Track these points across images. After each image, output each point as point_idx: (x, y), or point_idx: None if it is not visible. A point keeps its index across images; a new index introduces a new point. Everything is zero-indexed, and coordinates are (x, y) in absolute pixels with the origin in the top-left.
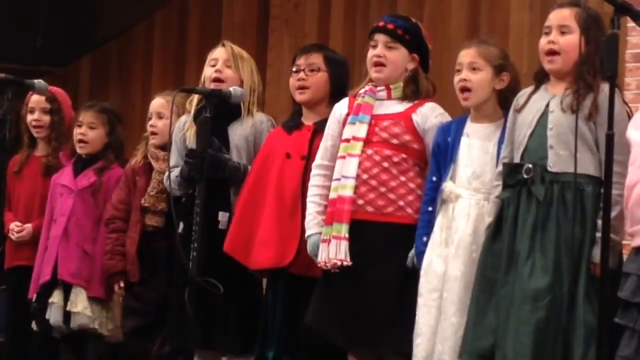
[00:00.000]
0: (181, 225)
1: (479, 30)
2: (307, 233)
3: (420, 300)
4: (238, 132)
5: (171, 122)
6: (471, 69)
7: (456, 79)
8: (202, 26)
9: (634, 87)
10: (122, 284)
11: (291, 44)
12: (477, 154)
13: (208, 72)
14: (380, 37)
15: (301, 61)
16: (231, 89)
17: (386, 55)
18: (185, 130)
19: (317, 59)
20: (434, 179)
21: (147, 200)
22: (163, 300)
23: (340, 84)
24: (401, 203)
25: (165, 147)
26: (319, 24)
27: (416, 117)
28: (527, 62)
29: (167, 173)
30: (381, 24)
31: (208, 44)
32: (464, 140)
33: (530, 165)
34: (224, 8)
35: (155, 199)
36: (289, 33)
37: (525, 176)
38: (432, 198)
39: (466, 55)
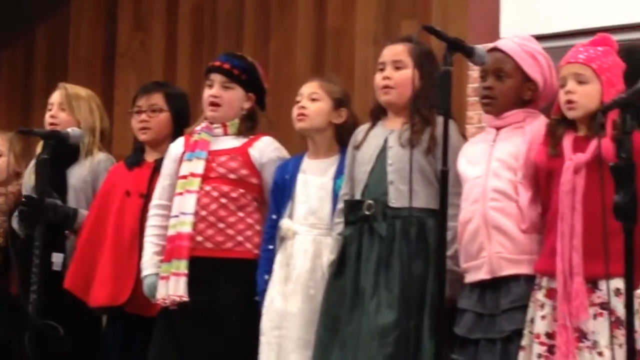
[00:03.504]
0: None
1: (324, 66)
2: (143, 273)
3: (263, 339)
4: (76, 174)
5: (8, 161)
6: (311, 99)
7: (294, 108)
8: (48, 65)
9: (476, 121)
10: None
11: (138, 81)
12: (314, 190)
13: (46, 116)
14: (216, 77)
15: (142, 102)
16: (69, 129)
17: (222, 95)
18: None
19: (157, 99)
20: (274, 217)
21: None
22: (4, 343)
23: (182, 119)
24: (240, 238)
25: (2, 183)
26: (166, 61)
27: (253, 152)
28: (372, 97)
29: (15, 213)
30: (217, 63)
31: (54, 83)
32: (300, 177)
33: (371, 202)
34: (70, 46)
35: None
36: (136, 70)
37: (366, 212)
38: (271, 236)
39: (308, 87)
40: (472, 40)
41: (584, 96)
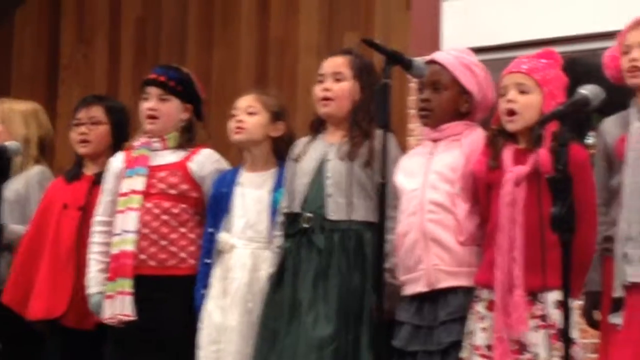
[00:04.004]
0: None
1: (267, 76)
2: (88, 291)
3: (201, 353)
4: (11, 187)
5: None
6: (247, 112)
7: (231, 121)
8: None
9: (418, 133)
10: None
11: (81, 94)
12: (251, 203)
13: None
14: (152, 90)
15: (82, 114)
16: (6, 143)
17: (159, 108)
18: None
19: (97, 112)
20: (211, 230)
21: None
22: None
23: (122, 133)
24: (183, 255)
25: None
26: (109, 74)
27: (192, 165)
28: (315, 109)
29: None
30: (153, 76)
31: None
32: (238, 190)
33: (309, 215)
34: (13, 59)
35: None
36: (79, 83)
37: (305, 225)
38: (209, 250)
39: (244, 101)
40: (414, 53)
41: (524, 106)
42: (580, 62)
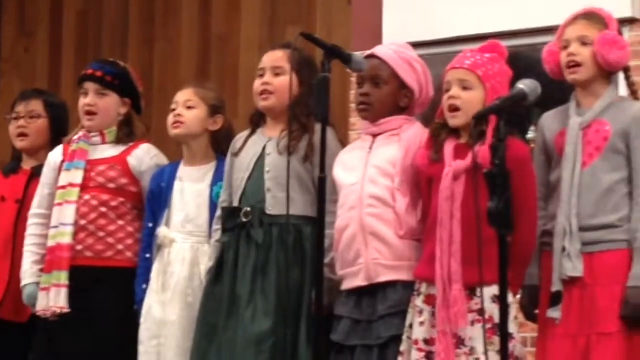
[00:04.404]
0: None
1: (209, 71)
2: (23, 283)
3: (141, 348)
4: None
5: None
6: (186, 106)
7: (170, 116)
8: None
9: (360, 127)
10: None
11: (22, 87)
12: (191, 198)
13: None
14: (90, 86)
15: (21, 108)
16: None
17: (97, 103)
18: None
19: (36, 106)
20: (150, 225)
21: None
22: None
23: (61, 128)
24: (120, 247)
25: None
26: (50, 67)
27: (132, 160)
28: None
29: None
30: (89, 71)
31: None
32: (177, 185)
33: (248, 209)
34: None
35: None
36: (20, 76)
37: (244, 220)
38: (149, 244)
39: (183, 94)
40: (355, 47)
41: (467, 102)
42: (521, 56)
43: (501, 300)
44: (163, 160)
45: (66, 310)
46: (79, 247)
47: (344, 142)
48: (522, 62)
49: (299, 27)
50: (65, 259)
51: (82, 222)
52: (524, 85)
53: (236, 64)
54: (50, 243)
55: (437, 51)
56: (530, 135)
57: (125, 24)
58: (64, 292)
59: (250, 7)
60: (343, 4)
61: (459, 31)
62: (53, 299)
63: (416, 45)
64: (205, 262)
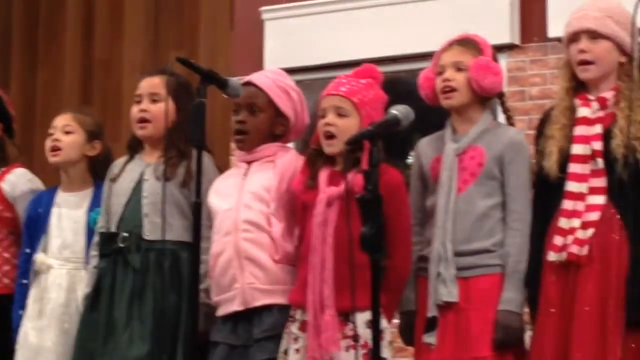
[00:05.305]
0: None
1: (92, 96)
2: None
3: None
4: None
5: None
6: (64, 131)
7: (48, 140)
8: None
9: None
10: None
11: None
12: (68, 224)
13: None
14: None
15: None
16: None
17: None
18: None
19: None
20: (28, 251)
21: None
22: None
23: None
24: None
25: None
26: None
27: (5, 186)
28: None
29: None
30: None
31: None
32: (54, 211)
33: (126, 234)
34: None
35: None
36: None
37: (121, 245)
38: (26, 270)
39: (61, 119)
40: (237, 72)
41: (342, 129)
42: (401, 82)
43: (373, 325)
44: (38, 184)
45: None
46: None
47: (225, 167)
48: (402, 88)
49: (182, 52)
50: None
51: None
52: (396, 110)
53: (119, 88)
54: None
55: (318, 76)
56: (410, 160)
57: (7, 50)
58: None
59: (133, 32)
60: (226, 29)
61: (339, 57)
62: None
63: (297, 70)
64: (82, 288)
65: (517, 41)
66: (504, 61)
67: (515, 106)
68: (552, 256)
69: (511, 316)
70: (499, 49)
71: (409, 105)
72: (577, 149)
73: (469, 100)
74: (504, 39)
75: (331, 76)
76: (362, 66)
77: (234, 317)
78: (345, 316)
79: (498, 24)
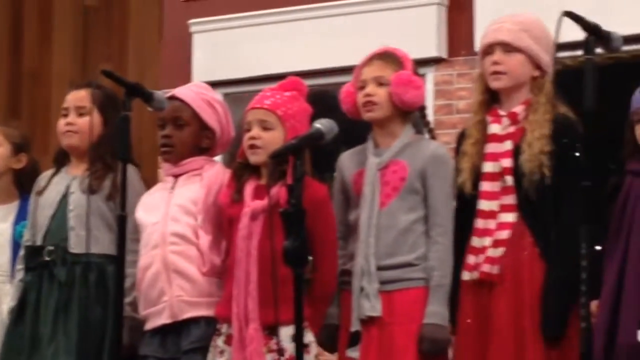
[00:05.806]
0: None
1: (20, 108)
2: None
3: None
4: None
5: None
6: None
7: None
8: None
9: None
10: None
11: None
12: None
13: None
14: None
15: None
16: None
17: None
18: None
19: None
20: None
21: None
22: None
23: None
24: None
25: None
26: None
27: None
28: None
29: None
30: None
31: None
32: None
33: (51, 247)
34: None
35: None
36: None
37: (47, 258)
38: None
39: None
40: (165, 84)
41: (268, 142)
42: (328, 95)
43: (296, 339)
44: None
45: None
46: None
47: (153, 181)
48: (329, 101)
49: (111, 64)
50: None
51: None
52: (320, 124)
53: (48, 100)
54: None
55: (245, 89)
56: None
57: None
58: None
59: (61, 43)
60: (155, 42)
61: (267, 70)
62: None
63: (225, 83)
64: (8, 302)
65: (444, 55)
66: (431, 75)
67: (443, 120)
68: (465, 275)
69: (437, 329)
70: (426, 62)
71: (335, 119)
72: (487, 166)
73: (391, 114)
74: (432, 52)
75: (259, 89)
76: (286, 79)
77: (162, 330)
78: (271, 330)
79: (425, 38)
